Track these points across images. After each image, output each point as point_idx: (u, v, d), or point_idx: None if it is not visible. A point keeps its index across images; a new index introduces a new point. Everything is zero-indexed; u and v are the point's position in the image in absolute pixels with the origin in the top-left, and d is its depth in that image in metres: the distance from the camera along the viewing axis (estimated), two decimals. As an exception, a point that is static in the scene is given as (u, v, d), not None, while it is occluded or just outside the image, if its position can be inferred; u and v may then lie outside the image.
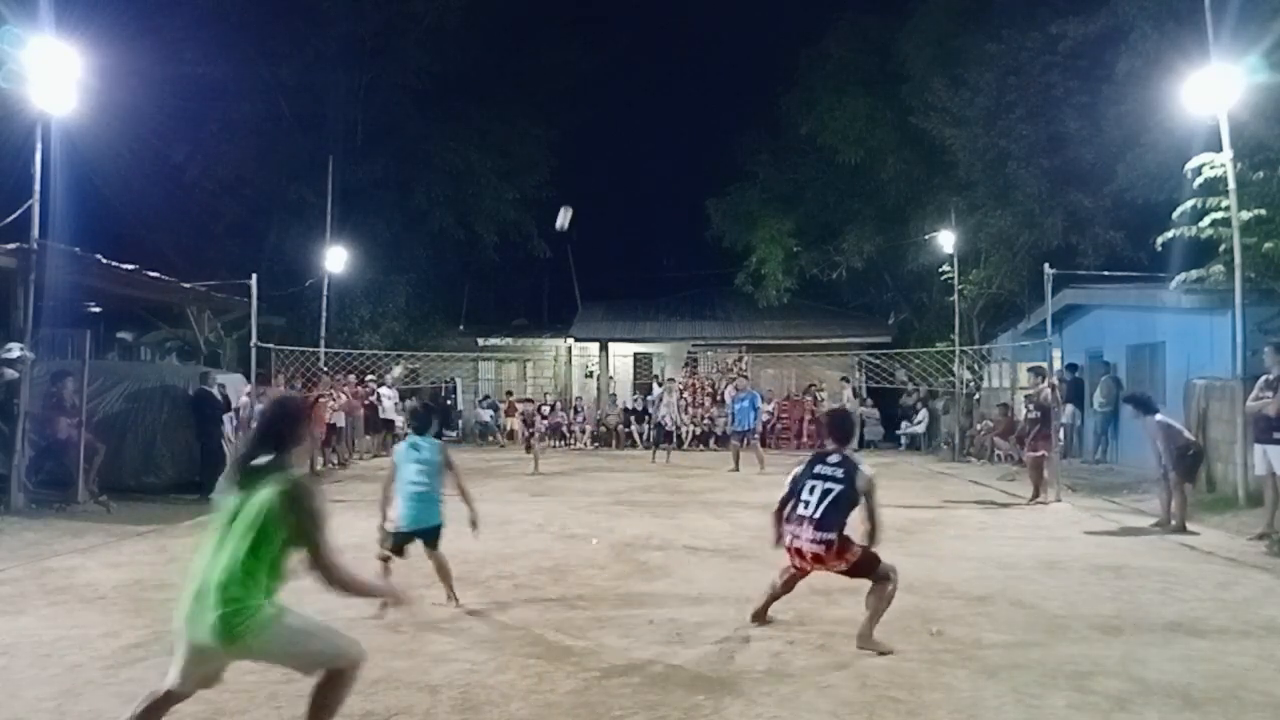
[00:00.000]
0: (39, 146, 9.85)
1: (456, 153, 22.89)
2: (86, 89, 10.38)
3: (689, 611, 5.76)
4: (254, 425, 3.42)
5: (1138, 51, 14.42)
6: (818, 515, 4.88)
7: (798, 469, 5.19)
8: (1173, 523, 8.92)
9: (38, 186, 9.81)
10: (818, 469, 5.05)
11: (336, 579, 3.22)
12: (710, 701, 4.16)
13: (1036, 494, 11.15)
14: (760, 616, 5.32)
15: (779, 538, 5.14)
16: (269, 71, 20.54)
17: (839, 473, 4.97)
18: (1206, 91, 10.21)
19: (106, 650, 4.93)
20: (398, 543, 6.00)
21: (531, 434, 18.35)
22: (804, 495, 4.99)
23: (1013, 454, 14.31)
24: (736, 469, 14.84)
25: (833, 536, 4.85)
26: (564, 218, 16.69)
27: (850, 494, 4.90)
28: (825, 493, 4.91)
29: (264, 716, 4.02)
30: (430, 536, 6.03)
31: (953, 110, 18.09)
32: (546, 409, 22.42)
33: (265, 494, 3.11)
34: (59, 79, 9.75)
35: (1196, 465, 9.33)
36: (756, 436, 16.00)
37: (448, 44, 22.35)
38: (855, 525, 4.98)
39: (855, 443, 5.34)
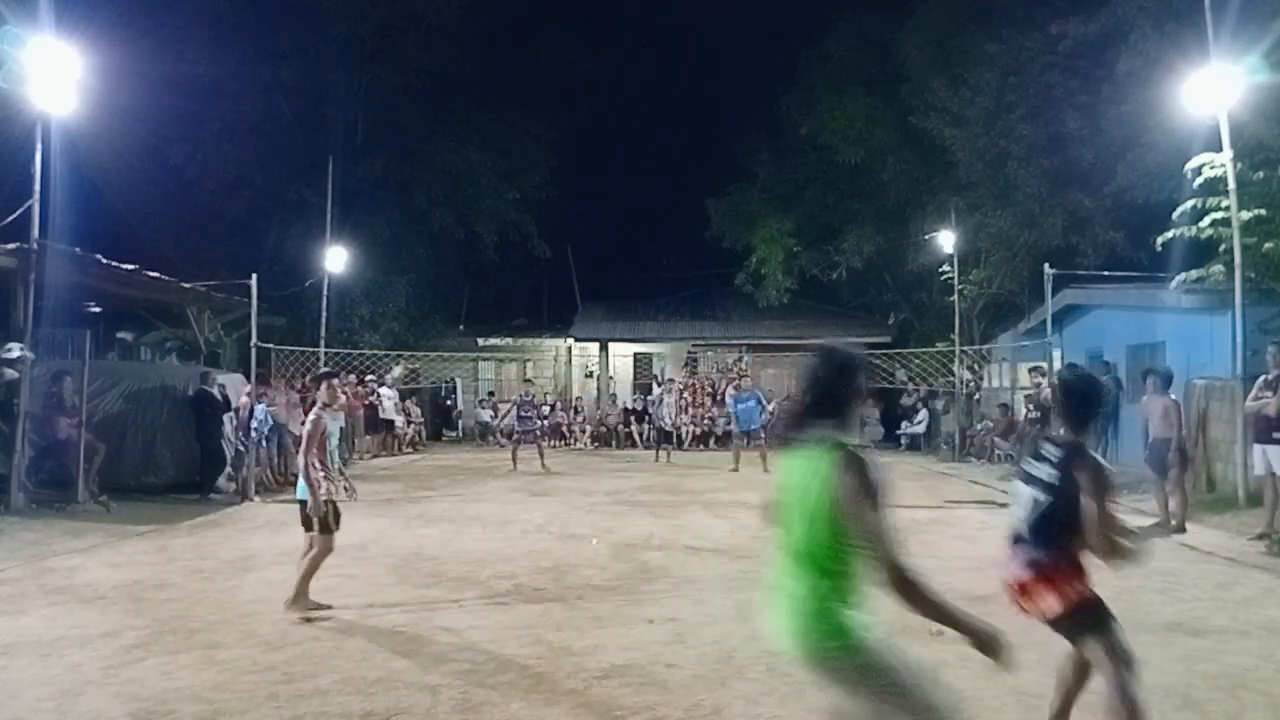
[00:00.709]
0: (39, 146, 9.84)
1: (456, 153, 22.87)
2: (86, 89, 10.37)
3: (689, 611, 5.76)
4: (802, 387, 2.70)
5: (1138, 51, 14.42)
6: (1024, 531, 3.52)
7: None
8: (1173, 522, 8.92)
9: (38, 186, 9.81)
10: (1028, 467, 3.61)
11: (906, 586, 2.48)
12: (710, 701, 4.16)
13: (1036, 494, 11.12)
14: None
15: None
16: (269, 71, 20.52)
17: (1052, 472, 3.46)
18: (1206, 91, 10.21)
19: (106, 650, 4.93)
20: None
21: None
22: (1013, 506, 3.61)
23: (1013, 454, 14.31)
24: (736, 469, 14.83)
25: (1042, 556, 3.43)
26: None
27: (1064, 499, 3.39)
28: (1033, 502, 3.49)
29: (264, 716, 4.02)
30: None
31: (953, 110, 18.10)
32: (546, 409, 22.42)
33: (819, 472, 2.43)
34: (59, 79, 9.75)
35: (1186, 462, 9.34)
36: (764, 436, 15.97)
37: (448, 44, 22.33)
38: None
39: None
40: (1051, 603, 3.39)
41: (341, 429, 6.36)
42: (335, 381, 6.25)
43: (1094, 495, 3.36)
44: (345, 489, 6.05)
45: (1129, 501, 10.89)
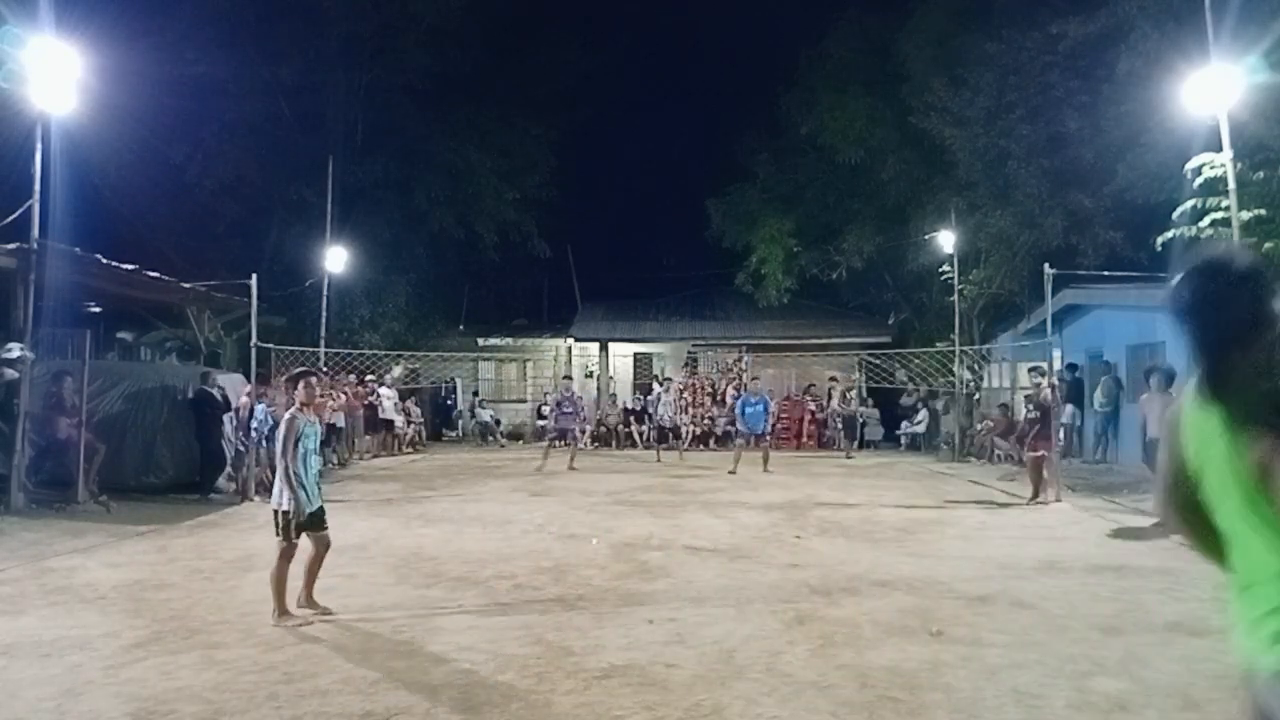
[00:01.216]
0: (39, 146, 9.84)
1: (456, 153, 22.88)
2: (86, 89, 10.37)
3: (689, 611, 5.76)
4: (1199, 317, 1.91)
5: (1138, 51, 14.42)
6: None
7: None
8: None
9: (38, 186, 9.80)
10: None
11: None
12: (710, 701, 4.16)
13: (1036, 494, 11.15)
14: None
15: None
16: (269, 71, 20.51)
17: None
18: (1206, 91, 10.20)
19: (106, 650, 4.93)
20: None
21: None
22: None
23: (1013, 454, 14.32)
24: (734, 471, 14.73)
25: None
26: None
27: None
28: None
29: (264, 716, 4.02)
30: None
31: (953, 110, 18.09)
32: (546, 409, 22.45)
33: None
34: (59, 79, 9.75)
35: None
36: (769, 439, 15.99)
37: (448, 44, 22.32)
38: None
39: None
40: None
41: (331, 431, 6.19)
42: (313, 380, 6.01)
43: None
44: (303, 504, 5.54)
45: (1129, 501, 10.91)
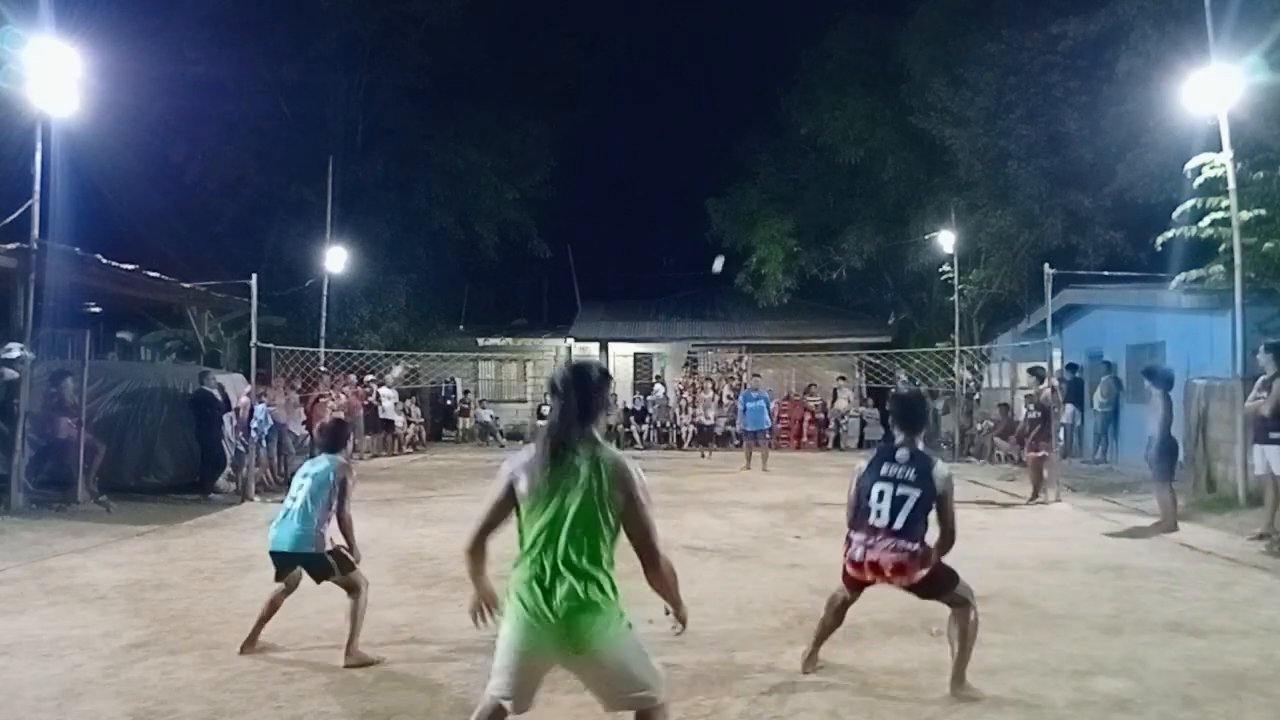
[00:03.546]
0: (39, 146, 9.84)
1: (456, 153, 22.87)
2: (86, 89, 10.37)
3: (689, 611, 5.75)
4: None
5: (1138, 51, 14.43)
6: (898, 525, 4.16)
7: (860, 469, 4.45)
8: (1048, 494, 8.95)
9: (38, 186, 9.80)
10: (885, 469, 4.30)
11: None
12: (710, 701, 4.16)
13: (1036, 494, 11.15)
14: (812, 661, 4.58)
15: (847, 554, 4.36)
16: (269, 71, 20.51)
17: (910, 473, 4.25)
18: (1206, 91, 10.21)
19: (106, 650, 4.93)
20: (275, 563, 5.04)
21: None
22: (871, 502, 4.24)
23: (1013, 454, 14.31)
24: (748, 467, 14.90)
25: (917, 546, 4.15)
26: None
27: (927, 497, 4.18)
28: (900, 499, 4.19)
29: (264, 716, 4.02)
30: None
31: (953, 110, 18.09)
32: (546, 409, 22.42)
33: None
34: (59, 79, 9.75)
35: (1172, 462, 9.33)
36: (769, 437, 16.11)
37: (448, 44, 22.33)
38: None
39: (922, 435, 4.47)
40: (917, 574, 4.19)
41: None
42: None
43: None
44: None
45: (1129, 501, 10.90)
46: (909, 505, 4.17)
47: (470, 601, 3.06)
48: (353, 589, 4.86)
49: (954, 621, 4.27)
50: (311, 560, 4.85)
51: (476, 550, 2.98)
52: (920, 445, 4.39)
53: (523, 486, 2.84)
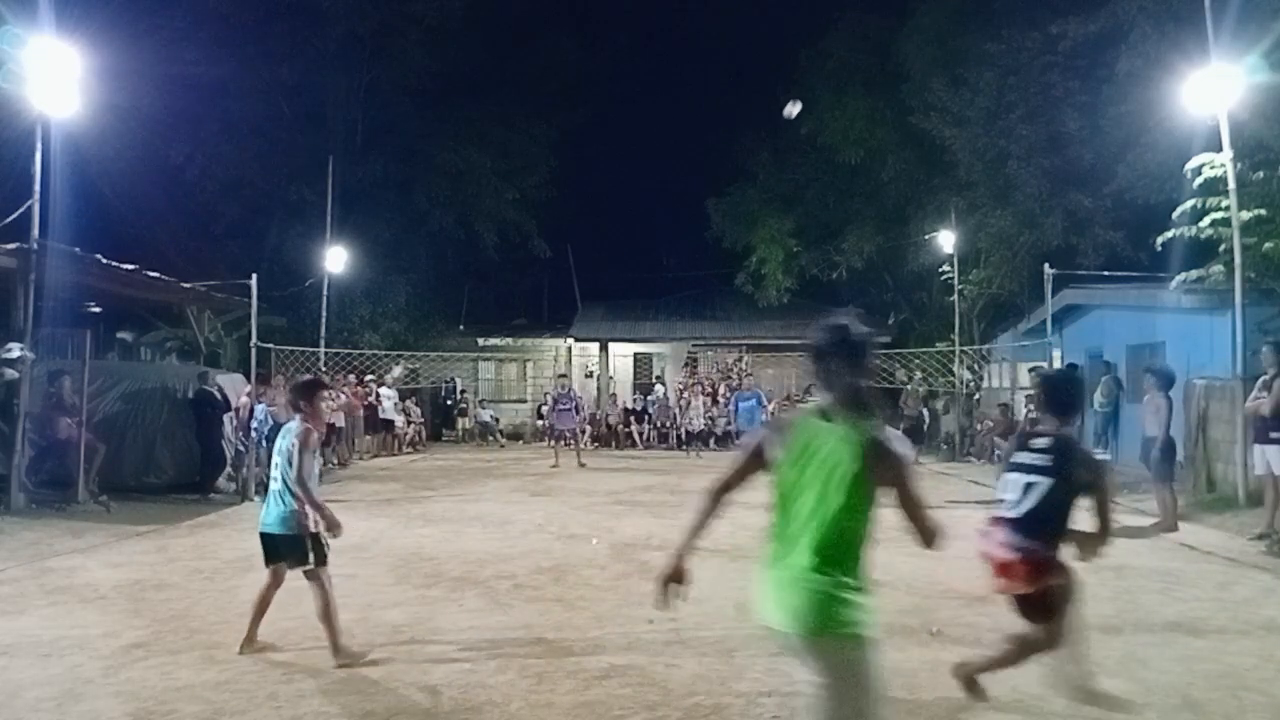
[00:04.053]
0: (39, 146, 9.84)
1: (456, 153, 22.88)
2: (86, 89, 10.37)
3: (689, 611, 5.75)
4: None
5: (1138, 51, 14.42)
6: (1019, 514, 3.73)
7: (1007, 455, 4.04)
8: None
9: (38, 186, 9.80)
10: (1020, 455, 3.86)
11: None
12: (710, 701, 4.16)
13: (1036, 494, 11.13)
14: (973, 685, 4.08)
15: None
16: (269, 71, 20.51)
17: (1045, 460, 3.71)
18: (1206, 91, 10.21)
19: (106, 650, 4.93)
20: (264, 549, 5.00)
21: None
22: (1003, 491, 3.88)
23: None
24: None
25: (1034, 548, 3.64)
26: (793, 108, 17.12)
27: (1062, 488, 3.62)
28: (1029, 487, 3.72)
29: (264, 716, 4.02)
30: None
31: (953, 110, 18.10)
32: (546, 409, 22.44)
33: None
34: (59, 79, 9.75)
35: (1172, 462, 9.34)
36: None
37: (448, 44, 22.33)
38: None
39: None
40: (1028, 584, 3.65)
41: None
42: (325, 393, 5.35)
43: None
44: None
45: (1128, 501, 10.89)
46: (1036, 494, 3.66)
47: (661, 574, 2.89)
48: (317, 579, 4.83)
49: (1020, 639, 3.84)
50: (294, 543, 4.83)
51: (717, 494, 2.93)
52: (1068, 430, 3.86)
53: (776, 457, 2.67)
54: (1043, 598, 3.67)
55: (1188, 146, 11.42)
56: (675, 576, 2.85)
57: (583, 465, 15.50)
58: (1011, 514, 3.73)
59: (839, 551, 2.54)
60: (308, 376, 5.60)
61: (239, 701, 4.17)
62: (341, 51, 21.58)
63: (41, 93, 9.73)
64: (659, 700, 4.18)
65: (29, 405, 9.79)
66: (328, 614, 4.77)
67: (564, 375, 18.55)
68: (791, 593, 2.55)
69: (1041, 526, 3.63)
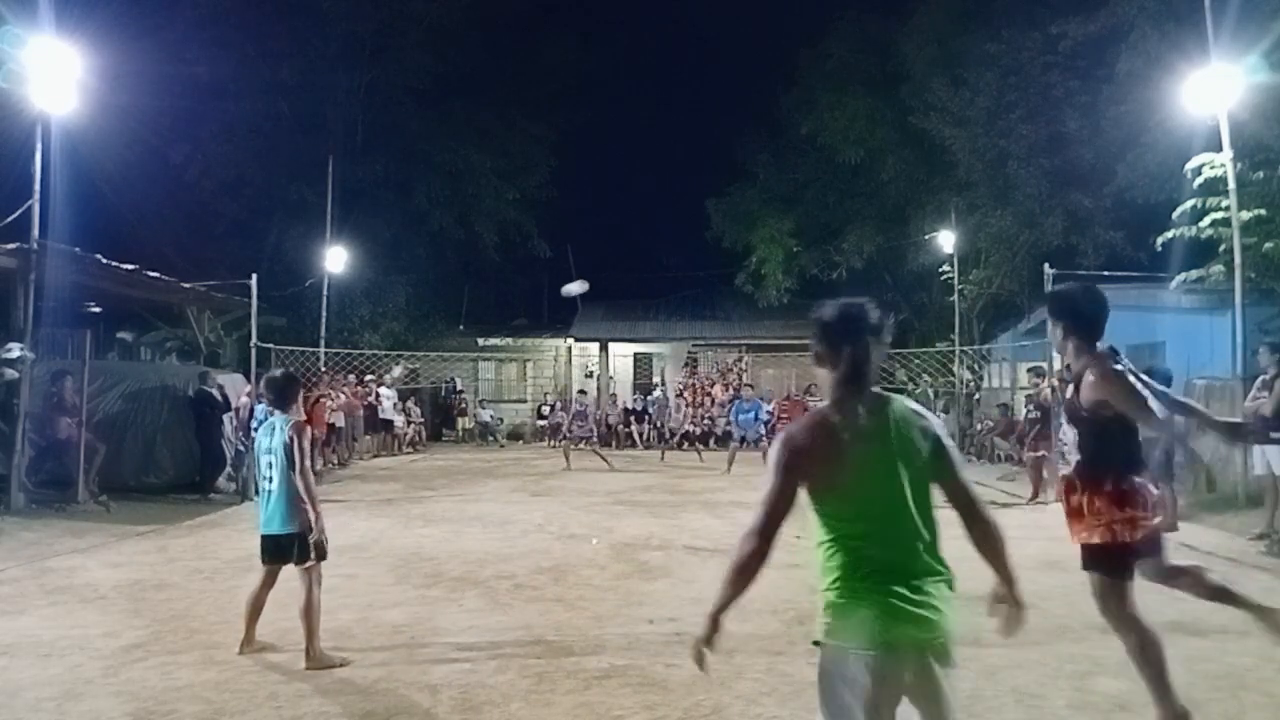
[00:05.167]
0: (39, 146, 9.84)
1: (456, 153, 22.88)
2: (86, 89, 10.37)
3: (689, 611, 5.76)
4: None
5: (1138, 51, 14.43)
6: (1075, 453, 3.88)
7: None
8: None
9: (38, 186, 9.80)
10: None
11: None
12: (710, 701, 4.16)
13: (1036, 494, 11.16)
14: None
15: None
16: (269, 71, 20.51)
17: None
18: (1206, 91, 10.21)
19: (106, 650, 4.93)
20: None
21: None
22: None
23: (1013, 454, 14.31)
24: (729, 470, 14.81)
25: (1087, 478, 3.66)
26: (577, 288, 17.70)
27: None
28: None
29: (264, 716, 4.02)
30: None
31: (953, 110, 18.10)
32: (546, 409, 22.47)
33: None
34: (59, 79, 9.75)
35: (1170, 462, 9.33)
36: (765, 442, 16.10)
37: (448, 44, 22.34)
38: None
39: None
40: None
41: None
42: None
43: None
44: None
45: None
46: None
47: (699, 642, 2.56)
48: (308, 575, 4.80)
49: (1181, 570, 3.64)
50: (298, 540, 4.79)
51: (769, 535, 2.46)
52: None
53: (823, 466, 2.41)
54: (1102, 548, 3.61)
55: (1188, 146, 11.42)
56: (711, 642, 2.53)
57: (608, 464, 15.83)
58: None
59: (937, 544, 2.39)
60: (278, 371, 5.46)
61: (239, 701, 4.17)
62: (341, 52, 21.58)
63: (41, 92, 9.73)
64: (659, 700, 4.18)
65: (29, 405, 9.78)
66: (309, 612, 4.73)
67: (583, 391, 18.76)
68: (918, 601, 2.30)
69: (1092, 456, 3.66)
